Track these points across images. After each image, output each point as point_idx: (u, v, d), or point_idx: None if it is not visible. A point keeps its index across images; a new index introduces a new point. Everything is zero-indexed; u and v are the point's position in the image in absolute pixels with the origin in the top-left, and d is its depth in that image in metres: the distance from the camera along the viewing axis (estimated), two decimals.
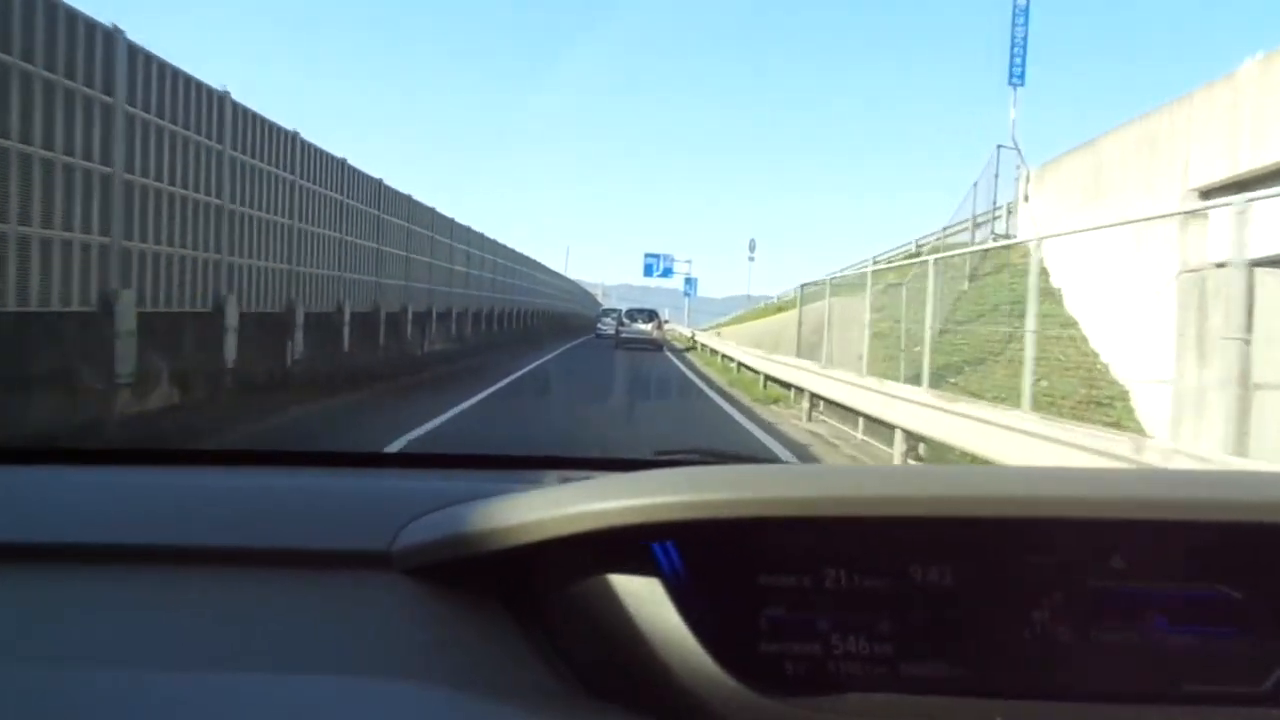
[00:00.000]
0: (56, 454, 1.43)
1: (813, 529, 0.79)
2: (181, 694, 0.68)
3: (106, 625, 0.80)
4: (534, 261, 35.17)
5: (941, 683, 0.77)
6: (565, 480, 1.02)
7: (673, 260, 60.94)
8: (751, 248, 52.53)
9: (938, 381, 8.65)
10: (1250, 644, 0.78)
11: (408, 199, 16.45)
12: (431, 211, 18.14)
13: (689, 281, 60.09)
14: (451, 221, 19.98)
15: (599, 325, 35.36)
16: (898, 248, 23.45)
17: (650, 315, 29.66)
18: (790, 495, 0.77)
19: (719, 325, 38.78)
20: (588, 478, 0.93)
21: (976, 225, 18.79)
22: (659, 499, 0.77)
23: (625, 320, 29.47)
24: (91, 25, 6.95)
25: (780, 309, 26.30)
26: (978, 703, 0.75)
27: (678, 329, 43.05)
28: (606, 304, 66.92)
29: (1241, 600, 0.79)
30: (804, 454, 8.26)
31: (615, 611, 0.78)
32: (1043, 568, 0.79)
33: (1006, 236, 15.66)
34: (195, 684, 0.70)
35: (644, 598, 0.77)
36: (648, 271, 59.66)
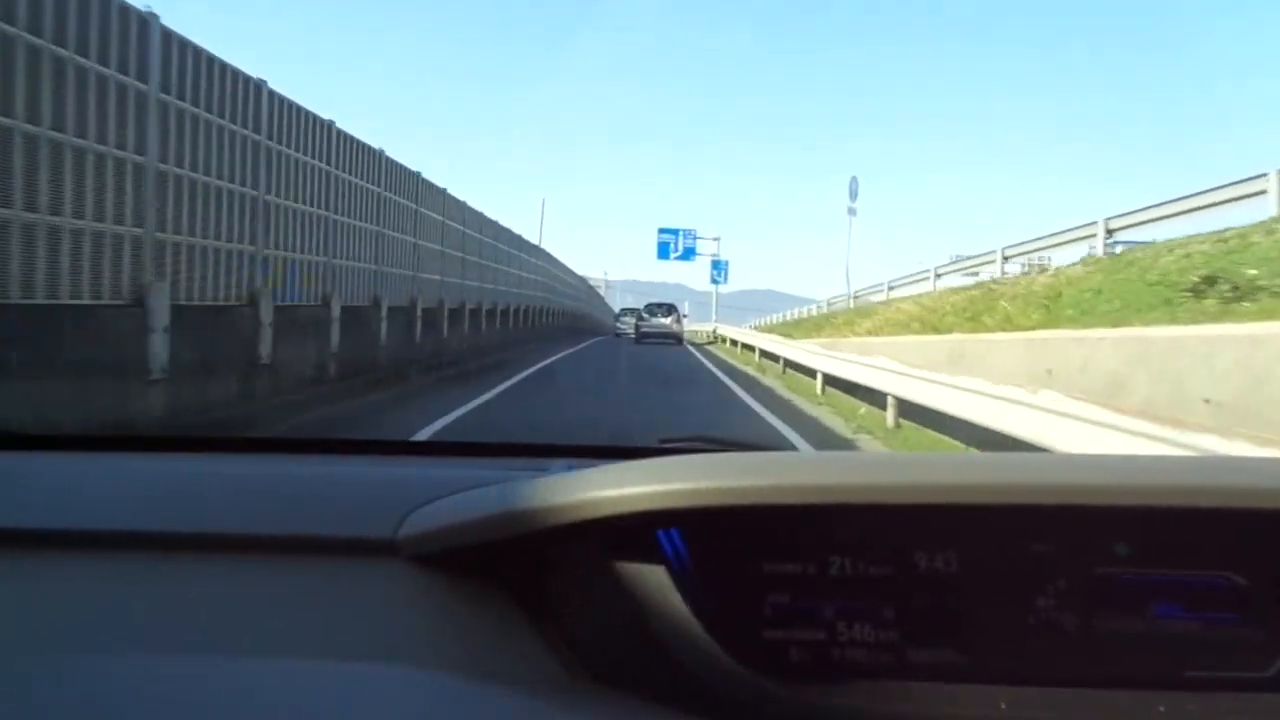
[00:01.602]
0: (65, 441, 1.41)
1: (817, 516, 0.79)
2: (187, 680, 0.69)
3: (112, 611, 0.80)
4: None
5: (946, 669, 0.77)
6: (571, 467, 1.01)
7: (695, 237, 45.43)
8: (853, 193, 32.83)
9: None
10: (1255, 630, 0.78)
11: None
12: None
13: (717, 265, 45.20)
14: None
15: (618, 324, 36.70)
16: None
17: (669, 309, 30.43)
18: (797, 483, 0.77)
19: (802, 327, 23.49)
20: (593, 465, 0.92)
21: None
22: (665, 486, 0.76)
23: (645, 315, 30.38)
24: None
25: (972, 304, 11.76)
26: (982, 689, 0.76)
27: (700, 328, 39.47)
28: (609, 298, 63.33)
29: (1246, 586, 0.78)
30: None
31: (621, 598, 0.78)
32: (1047, 555, 0.78)
33: None
34: (200, 670, 0.70)
35: (649, 585, 0.77)
36: (662, 253, 44.95)
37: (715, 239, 46.36)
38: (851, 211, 32.72)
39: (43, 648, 0.74)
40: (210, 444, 1.45)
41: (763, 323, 36.16)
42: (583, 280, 45.08)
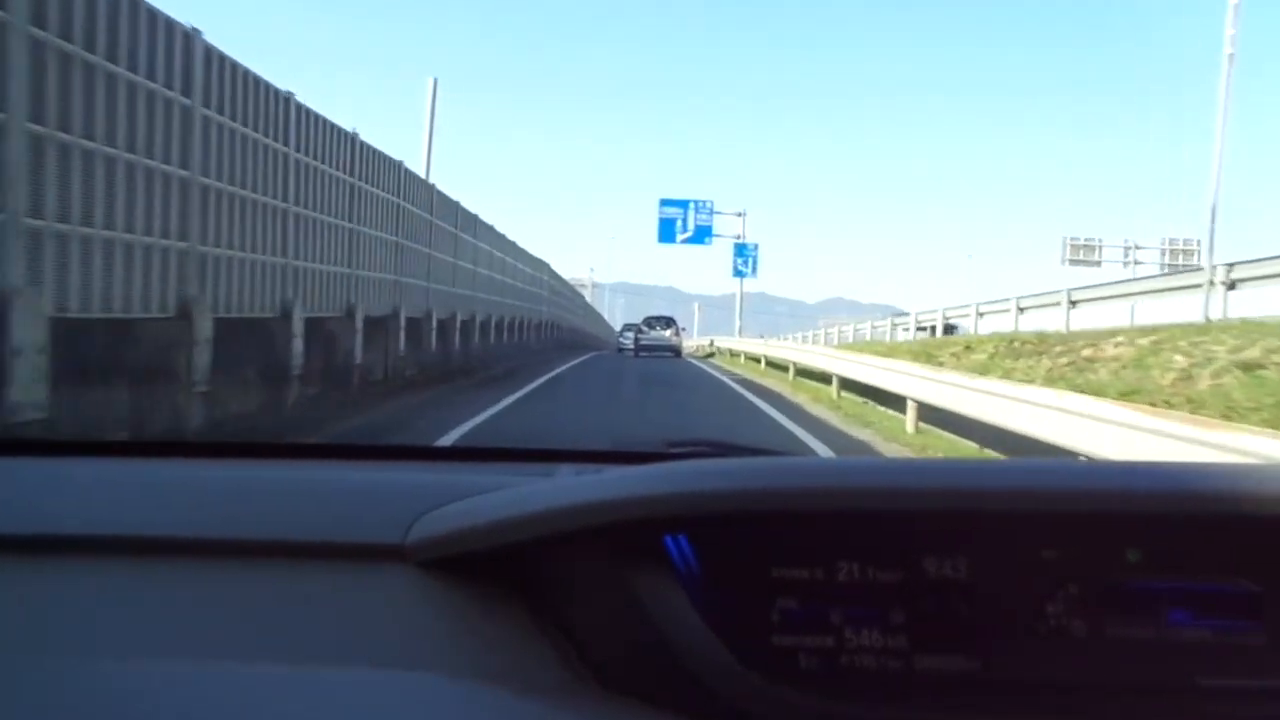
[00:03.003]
0: (70, 446, 1.44)
1: (826, 521, 0.80)
2: (195, 686, 0.69)
3: (121, 617, 0.81)
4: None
5: (955, 675, 0.77)
6: (578, 472, 1.02)
7: (712, 211, 33.32)
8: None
9: None
10: (1267, 637, 0.77)
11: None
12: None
13: (742, 251, 33.35)
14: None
15: (620, 339, 37.66)
16: None
17: (668, 323, 31.57)
18: (805, 487, 0.79)
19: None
20: (600, 470, 0.95)
21: None
22: (671, 491, 0.78)
23: (644, 329, 31.32)
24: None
25: None
26: (991, 695, 0.76)
27: (698, 342, 35.30)
28: (596, 302, 61.93)
29: (1259, 593, 0.78)
30: None
31: (629, 603, 0.78)
32: (1057, 561, 0.79)
33: None
34: (209, 676, 0.71)
35: (657, 590, 0.77)
36: (665, 234, 33.69)
37: (739, 214, 34.02)
38: (1230, 59, 16.04)
39: (50, 653, 0.75)
40: (217, 449, 1.46)
41: (828, 340, 27.20)
42: (546, 264, 31.18)
